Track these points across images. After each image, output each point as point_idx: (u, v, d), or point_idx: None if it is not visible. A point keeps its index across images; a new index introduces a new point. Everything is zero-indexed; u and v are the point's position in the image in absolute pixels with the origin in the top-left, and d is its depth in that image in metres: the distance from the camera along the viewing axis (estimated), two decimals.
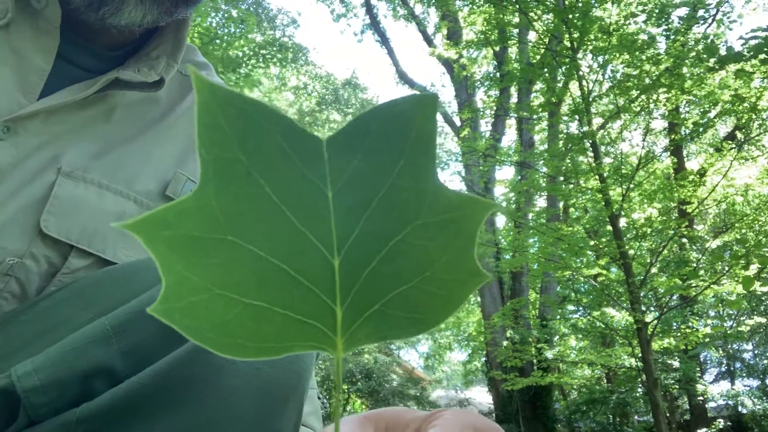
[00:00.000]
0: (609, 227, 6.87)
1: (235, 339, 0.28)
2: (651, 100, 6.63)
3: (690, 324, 7.79)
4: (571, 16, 6.28)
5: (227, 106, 0.24)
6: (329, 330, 0.30)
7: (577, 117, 7.01)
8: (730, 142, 7.23)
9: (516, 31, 9.71)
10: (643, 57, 6.50)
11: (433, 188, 0.27)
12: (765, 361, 12.03)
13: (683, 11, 6.58)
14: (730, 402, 11.36)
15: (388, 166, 0.27)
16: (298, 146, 0.26)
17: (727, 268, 6.37)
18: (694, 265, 7.06)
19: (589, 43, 6.65)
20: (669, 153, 8.27)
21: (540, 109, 8.05)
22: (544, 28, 7.12)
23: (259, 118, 0.25)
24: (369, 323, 0.30)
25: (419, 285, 0.29)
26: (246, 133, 0.25)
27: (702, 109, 7.12)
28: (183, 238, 0.26)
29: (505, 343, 9.90)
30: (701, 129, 7.04)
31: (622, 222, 7.03)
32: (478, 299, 11.94)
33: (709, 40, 6.75)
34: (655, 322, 6.53)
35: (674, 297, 7.34)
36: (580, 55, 6.77)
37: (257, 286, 0.27)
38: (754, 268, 5.74)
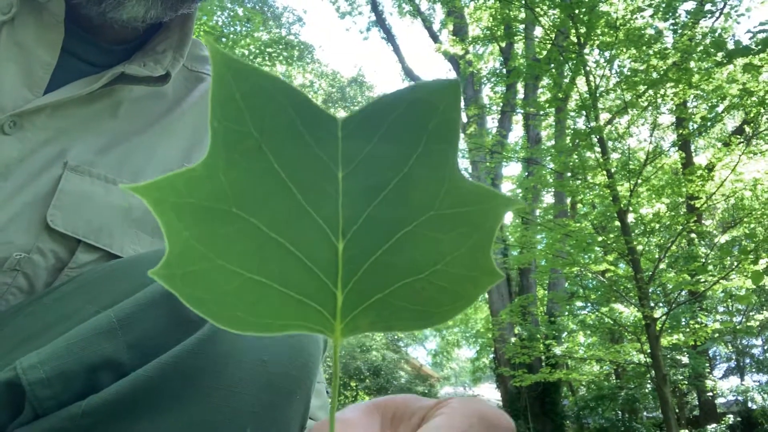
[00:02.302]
0: (617, 223, 6.84)
1: (233, 311, 0.27)
2: (658, 95, 6.60)
3: (699, 319, 7.75)
4: (577, 11, 6.25)
5: (242, 79, 0.24)
6: (328, 313, 0.29)
7: (584, 112, 6.98)
8: (739, 136, 7.19)
9: (522, 26, 9.67)
10: (650, 52, 6.47)
11: (451, 179, 0.26)
12: None
13: (690, 5, 6.57)
14: (739, 397, 11.31)
15: (405, 153, 0.26)
16: (312, 124, 0.25)
17: (736, 263, 6.34)
18: (703, 260, 7.03)
19: (595, 38, 6.63)
20: (677, 148, 8.22)
21: (547, 105, 8.01)
22: (551, 24, 7.09)
23: (274, 92, 0.24)
24: (372, 311, 0.29)
25: (429, 278, 0.28)
26: (259, 107, 0.25)
27: (710, 104, 7.08)
28: (190, 206, 0.25)
29: (513, 339, 9.90)
30: (709, 124, 7.02)
31: (630, 218, 7.02)
32: (486, 296, 11.92)
33: (716, 34, 6.70)
34: (664, 317, 6.50)
35: (683, 292, 7.30)
36: (586, 51, 6.75)
37: (259, 261, 0.27)
38: (763, 263, 5.71)
